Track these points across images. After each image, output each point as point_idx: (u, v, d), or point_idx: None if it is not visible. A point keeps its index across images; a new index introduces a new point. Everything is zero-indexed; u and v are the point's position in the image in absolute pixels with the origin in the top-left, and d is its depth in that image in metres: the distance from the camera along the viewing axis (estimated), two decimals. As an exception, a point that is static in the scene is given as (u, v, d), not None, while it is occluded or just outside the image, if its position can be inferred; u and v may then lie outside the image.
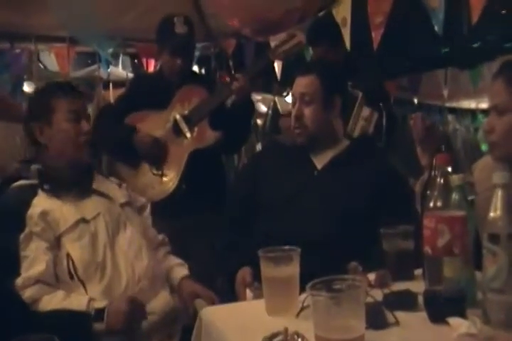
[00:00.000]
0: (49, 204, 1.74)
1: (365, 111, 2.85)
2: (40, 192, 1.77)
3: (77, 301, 1.64)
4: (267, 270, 1.42)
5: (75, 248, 1.71)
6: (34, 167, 1.82)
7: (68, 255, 1.69)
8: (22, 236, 1.66)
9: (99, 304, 1.64)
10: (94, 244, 1.75)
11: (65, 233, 1.72)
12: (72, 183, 1.83)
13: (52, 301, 1.62)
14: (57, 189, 1.79)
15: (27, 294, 1.60)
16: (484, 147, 5.79)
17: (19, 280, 1.61)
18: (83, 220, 1.77)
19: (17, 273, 1.62)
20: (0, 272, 1.61)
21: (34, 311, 1.60)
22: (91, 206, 1.82)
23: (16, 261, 1.63)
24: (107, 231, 1.79)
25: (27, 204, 1.71)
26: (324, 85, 1.98)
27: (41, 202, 1.74)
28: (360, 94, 2.85)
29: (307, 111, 1.98)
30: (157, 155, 2.65)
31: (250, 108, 2.81)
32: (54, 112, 1.83)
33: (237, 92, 2.63)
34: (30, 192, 1.76)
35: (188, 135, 2.65)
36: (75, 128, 1.84)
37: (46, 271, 1.64)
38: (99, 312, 1.62)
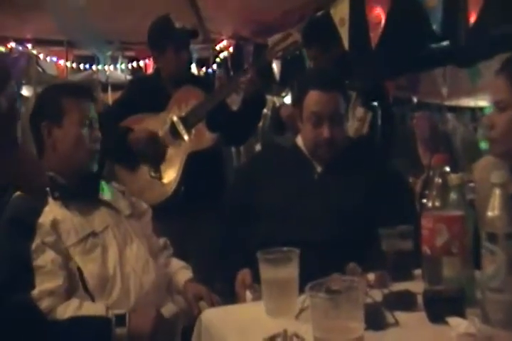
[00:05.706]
0: (60, 214, 1.69)
1: (359, 112, 2.80)
2: (50, 200, 1.71)
3: (93, 308, 1.61)
4: (265, 271, 1.42)
5: (85, 261, 1.67)
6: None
7: (79, 268, 1.65)
8: (34, 245, 1.60)
9: (117, 311, 1.61)
10: (104, 258, 1.71)
11: (74, 245, 1.67)
12: (80, 192, 1.78)
13: (68, 309, 1.58)
14: (67, 198, 1.73)
15: (43, 305, 1.55)
16: (483, 145, 5.79)
17: (35, 292, 1.55)
18: (93, 233, 1.73)
19: (30, 283, 1.57)
20: (13, 281, 1.56)
21: (52, 320, 1.56)
22: (100, 218, 1.78)
23: (28, 271, 1.58)
24: (117, 245, 1.75)
25: (37, 212, 1.66)
26: (344, 100, 1.93)
27: (52, 211, 1.68)
28: (354, 94, 2.79)
29: (338, 131, 1.90)
30: (155, 152, 2.63)
31: (262, 102, 2.80)
32: (65, 113, 1.76)
33: (247, 88, 2.62)
34: (41, 200, 1.70)
35: (186, 137, 2.64)
36: (87, 135, 1.79)
37: (63, 286, 1.60)
38: (120, 318, 1.59)
